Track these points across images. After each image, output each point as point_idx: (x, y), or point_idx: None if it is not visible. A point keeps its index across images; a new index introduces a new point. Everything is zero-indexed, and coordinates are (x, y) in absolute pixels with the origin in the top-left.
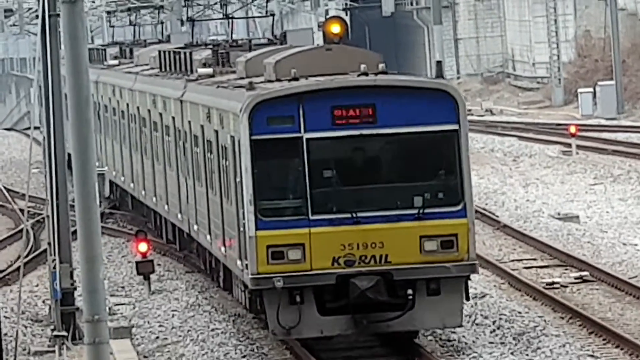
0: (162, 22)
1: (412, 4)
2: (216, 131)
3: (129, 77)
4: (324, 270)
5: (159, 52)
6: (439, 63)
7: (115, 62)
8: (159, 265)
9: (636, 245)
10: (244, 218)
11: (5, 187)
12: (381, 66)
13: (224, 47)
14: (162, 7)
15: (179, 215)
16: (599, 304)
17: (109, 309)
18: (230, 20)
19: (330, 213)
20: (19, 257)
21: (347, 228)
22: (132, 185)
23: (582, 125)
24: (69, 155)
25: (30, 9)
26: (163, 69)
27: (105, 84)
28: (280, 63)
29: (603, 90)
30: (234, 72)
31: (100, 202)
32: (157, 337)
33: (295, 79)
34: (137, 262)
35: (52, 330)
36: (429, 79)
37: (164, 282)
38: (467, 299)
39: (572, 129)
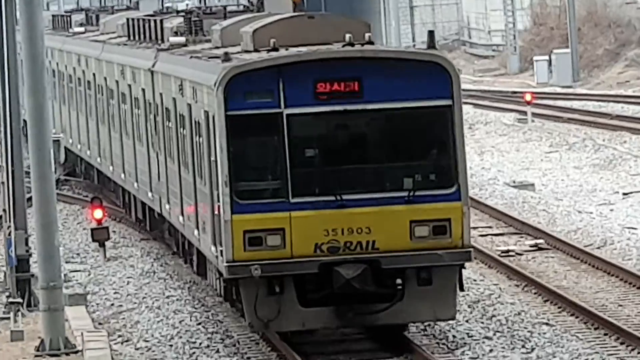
0: None
1: None
2: (189, 105)
3: (96, 45)
4: (306, 257)
5: (128, 19)
6: (431, 33)
7: (81, 29)
8: (114, 232)
9: (591, 213)
10: (218, 200)
11: None
12: (368, 36)
13: (197, 14)
14: None
15: (150, 194)
16: (554, 271)
17: (64, 275)
18: None
19: (313, 195)
20: None
21: (331, 212)
22: (99, 160)
23: (538, 93)
24: (25, 122)
25: None
26: (132, 38)
27: (70, 52)
28: (259, 32)
29: (558, 58)
30: (208, 41)
31: (55, 169)
32: (112, 304)
33: (275, 49)
34: (92, 229)
35: (7, 297)
36: (421, 50)
37: (119, 249)
38: (461, 289)
39: (528, 97)
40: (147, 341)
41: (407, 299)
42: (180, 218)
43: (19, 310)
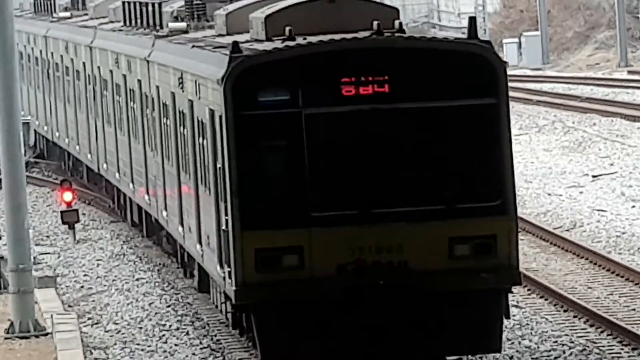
0: None
1: None
2: (191, 101)
3: (87, 32)
4: (328, 280)
5: (123, 3)
6: (472, 19)
7: (67, 14)
8: (84, 214)
9: (560, 195)
10: (226, 213)
11: None
12: (398, 23)
13: None
14: None
15: (146, 197)
16: (523, 254)
17: (34, 258)
18: None
19: (336, 209)
20: None
21: (357, 228)
22: (89, 156)
23: (508, 76)
24: None
25: None
26: (127, 23)
27: (57, 39)
28: (272, 18)
29: (528, 40)
30: (211, 27)
31: (25, 151)
32: (82, 287)
33: (292, 38)
34: (62, 212)
35: None
36: (461, 40)
37: (89, 232)
38: (507, 316)
39: None
40: (117, 323)
41: (445, 328)
42: (180, 228)
43: None
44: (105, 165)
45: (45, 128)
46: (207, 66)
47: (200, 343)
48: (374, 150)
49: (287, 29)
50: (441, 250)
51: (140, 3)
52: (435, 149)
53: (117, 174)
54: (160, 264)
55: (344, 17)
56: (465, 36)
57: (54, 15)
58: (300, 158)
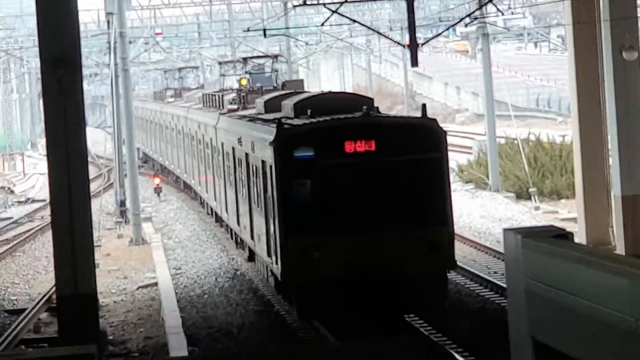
0: (198, 76)
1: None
2: (246, 154)
3: (183, 109)
4: (339, 268)
5: (203, 94)
6: (424, 105)
7: (172, 99)
8: (164, 189)
9: None
10: (273, 225)
11: (96, 154)
12: (377, 107)
13: (244, 91)
14: (197, 67)
15: (214, 202)
16: None
17: (141, 209)
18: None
19: (343, 223)
20: (100, 185)
21: (355, 235)
22: (185, 175)
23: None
24: (124, 140)
25: (106, 72)
26: (204, 105)
27: (167, 112)
28: (298, 104)
29: None
30: (252, 108)
31: (137, 160)
32: (163, 222)
33: (312, 117)
34: (154, 188)
35: (116, 218)
36: (419, 118)
37: (166, 196)
38: (446, 282)
39: None
40: (178, 238)
41: (409, 297)
42: (237, 226)
43: (121, 224)
44: (192, 181)
45: (161, 159)
46: (258, 133)
47: (217, 247)
48: (365, 187)
49: (309, 110)
50: (410, 249)
51: (211, 94)
52: (405, 186)
53: (198, 187)
54: (199, 211)
55: (345, 104)
56: (416, 114)
57: (165, 99)
58: (320, 191)
